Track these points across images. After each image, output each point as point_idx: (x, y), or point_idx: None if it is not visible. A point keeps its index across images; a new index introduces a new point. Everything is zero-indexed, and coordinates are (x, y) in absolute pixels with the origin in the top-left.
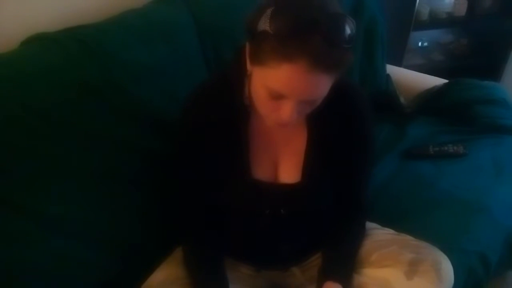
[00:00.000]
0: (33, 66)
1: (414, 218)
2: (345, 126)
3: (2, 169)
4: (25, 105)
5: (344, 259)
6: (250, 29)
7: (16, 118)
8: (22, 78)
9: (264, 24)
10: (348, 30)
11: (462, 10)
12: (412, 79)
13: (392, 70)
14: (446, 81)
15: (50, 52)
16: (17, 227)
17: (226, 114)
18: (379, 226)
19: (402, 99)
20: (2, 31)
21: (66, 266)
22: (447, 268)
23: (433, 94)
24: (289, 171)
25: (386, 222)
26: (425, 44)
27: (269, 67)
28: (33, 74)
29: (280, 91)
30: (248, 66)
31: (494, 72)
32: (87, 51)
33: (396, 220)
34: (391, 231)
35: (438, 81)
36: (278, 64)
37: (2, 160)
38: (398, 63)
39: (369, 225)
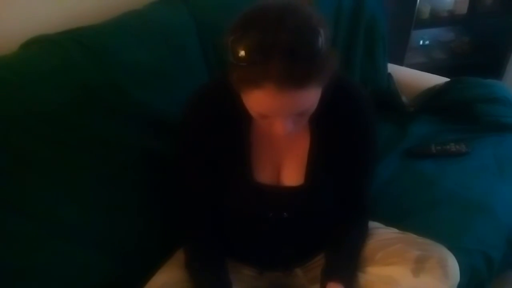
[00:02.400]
0: (33, 68)
1: (417, 217)
2: (348, 127)
3: (2, 171)
4: (26, 107)
5: (347, 259)
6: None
7: (16, 120)
8: (22, 80)
9: (228, 55)
10: (312, 41)
11: (463, 8)
12: (413, 77)
13: (394, 69)
14: (447, 79)
15: (50, 54)
16: (17, 229)
17: (228, 117)
18: (382, 226)
19: (403, 98)
20: (2, 33)
21: (66, 268)
22: (453, 265)
23: (435, 92)
24: (292, 174)
25: (388, 221)
26: (427, 42)
27: (244, 94)
28: (33, 76)
29: (262, 113)
30: None
31: (496, 70)
32: (87, 52)
33: (399, 219)
34: (395, 230)
35: (439, 79)
36: (249, 91)
37: (2, 162)
38: (400, 62)
39: (373, 224)
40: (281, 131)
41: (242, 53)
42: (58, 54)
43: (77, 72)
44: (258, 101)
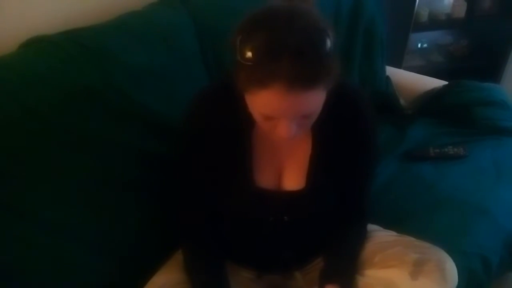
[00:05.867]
0: (32, 68)
1: (415, 220)
2: (349, 131)
3: (1, 172)
4: (25, 108)
5: (345, 262)
6: (232, 55)
7: (16, 120)
8: (21, 80)
9: (236, 55)
10: (321, 44)
11: (461, 11)
12: (411, 80)
13: (392, 71)
14: (445, 82)
15: (49, 54)
16: (16, 230)
17: (229, 121)
18: (381, 228)
19: (402, 101)
20: (0, 33)
21: (65, 270)
22: (451, 268)
23: (433, 95)
24: (293, 178)
25: (386, 224)
26: (425, 45)
27: (251, 94)
28: (32, 77)
29: (268, 114)
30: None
31: (493, 73)
32: (87, 53)
33: (397, 222)
34: (393, 232)
35: (437, 82)
36: (257, 91)
37: (2, 163)
38: (398, 65)
39: (371, 227)
40: (285, 134)
41: (251, 52)
42: (57, 55)
43: (76, 72)
44: (265, 102)
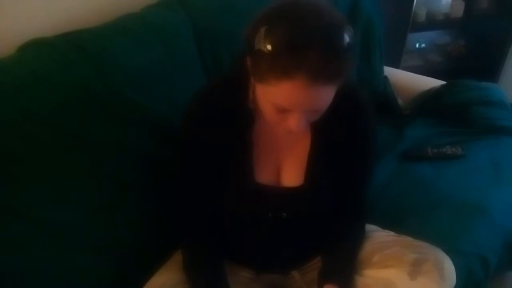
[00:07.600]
0: (31, 71)
1: (413, 220)
2: (348, 129)
3: (1, 174)
4: (23, 110)
5: (344, 261)
6: (248, 45)
7: (14, 123)
8: (19, 83)
9: (259, 43)
10: (345, 40)
11: (459, 11)
12: (409, 80)
13: (390, 72)
14: (443, 82)
15: (48, 57)
16: (15, 232)
17: (229, 118)
18: (379, 228)
19: (400, 101)
20: None
21: (65, 271)
22: (450, 267)
23: (431, 95)
24: (292, 175)
25: (385, 224)
26: (423, 45)
27: (270, 85)
28: (30, 79)
29: (283, 106)
30: (252, 79)
31: (491, 73)
32: (85, 56)
33: (395, 222)
34: (392, 233)
35: (435, 82)
36: (278, 81)
37: (1, 165)
38: (396, 65)
39: (370, 227)
40: (296, 127)
41: (278, 43)
42: (55, 57)
43: (74, 75)
44: (285, 93)
